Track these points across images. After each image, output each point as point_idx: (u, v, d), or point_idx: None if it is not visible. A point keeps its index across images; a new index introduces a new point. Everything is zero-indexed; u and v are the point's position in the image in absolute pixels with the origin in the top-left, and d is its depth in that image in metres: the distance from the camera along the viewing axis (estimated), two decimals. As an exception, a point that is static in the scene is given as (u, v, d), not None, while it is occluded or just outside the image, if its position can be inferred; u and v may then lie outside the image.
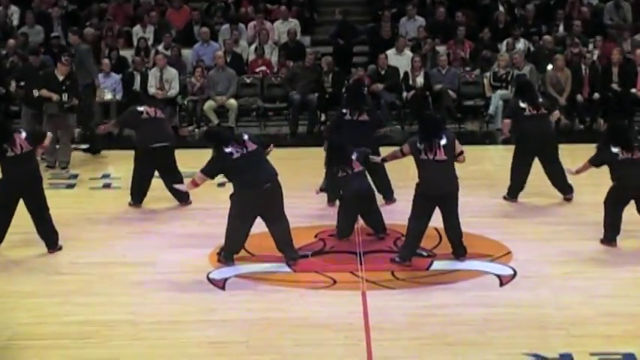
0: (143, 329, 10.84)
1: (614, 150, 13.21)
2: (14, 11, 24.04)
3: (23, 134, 13.13)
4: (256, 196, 12.45)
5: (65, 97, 17.54)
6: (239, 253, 12.81)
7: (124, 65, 22.14)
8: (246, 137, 12.58)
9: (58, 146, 17.64)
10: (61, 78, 17.74)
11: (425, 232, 12.72)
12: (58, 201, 14.84)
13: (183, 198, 15.46)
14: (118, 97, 21.27)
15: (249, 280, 12.32)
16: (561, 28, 23.41)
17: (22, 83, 19.08)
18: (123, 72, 21.87)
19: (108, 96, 21.13)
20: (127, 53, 22.58)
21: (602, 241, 13.34)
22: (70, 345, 10.44)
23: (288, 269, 12.66)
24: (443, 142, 12.42)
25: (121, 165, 15.46)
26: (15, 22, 23.89)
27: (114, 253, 13.31)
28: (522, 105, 15.13)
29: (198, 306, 11.48)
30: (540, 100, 15.59)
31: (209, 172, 12.67)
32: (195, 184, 12.85)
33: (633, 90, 20.81)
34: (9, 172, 13.09)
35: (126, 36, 23.42)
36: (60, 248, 13.35)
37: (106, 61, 21.58)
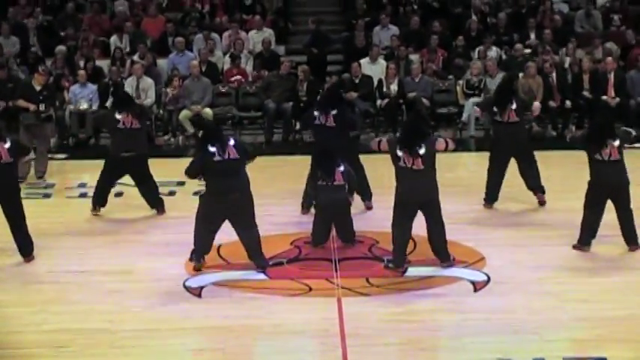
0: (120, 337, 10.81)
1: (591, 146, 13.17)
2: (-11, 22, 24.00)
3: (7, 144, 13.07)
4: (223, 203, 12.48)
5: (42, 106, 17.49)
6: (208, 253, 12.81)
7: (100, 75, 22.10)
8: (232, 143, 12.55)
9: (34, 156, 17.59)
10: (38, 88, 17.69)
11: (409, 237, 12.72)
12: (35, 210, 14.80)
13: (158, 207, 15.45)
14: (95, 106, 21.22)
15: (225, 287, 12.31)
16: (533, 36, 23.49)
17: None
18: (99, 82, 21.82)
19: (84, 106, 21.09)
20: (103, 63, 22.54)
21: (575, 246, 13.35)
22: (47, 354, 10.41)
23: (263, 276, 12.65)
24: (422, 151, 12.43)
25: (97, 174, 15.42)
26: (-10, 34, 23.84)
27: (91, 261, 13.27)
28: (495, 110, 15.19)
29: (175, 314, 11.47)
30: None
31: (191, 171, 12.76)
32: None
33: (604, 97, 20.88)
34: None
35: (101, 46, 23.37)
36: (33, 258, 13.31)
37: (81, 72, 21.53)
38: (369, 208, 15.43)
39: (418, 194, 12.53)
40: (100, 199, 15.49)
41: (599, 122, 13.79)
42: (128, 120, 15.22)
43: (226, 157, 12.42)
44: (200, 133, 13.07)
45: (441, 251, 12.78)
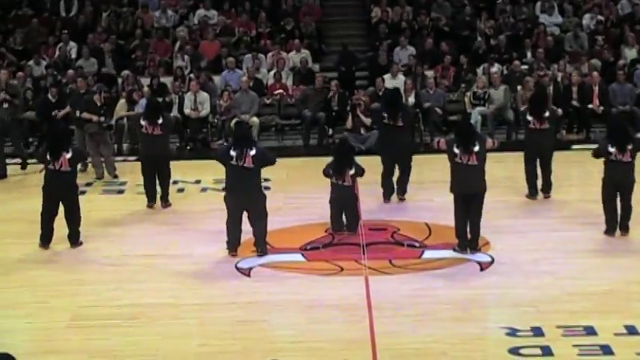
0: (182, 311, 10.87)
1: (611, 149, 13.06)
2: (72, 46, 24.03)
3: (69, 154, 13.13)
4: (237, 200, 12.54)
5: (103, 118, 17.50)
6: (239, 242, 12.75)
7: (164, 90, 22.14)
8: (252, 153, 12.53)
9: (90, 160, 17.58)
10: (98, 104, 17.68)
11: (467, 224, 12.60)
12: (110, 204, 14.91)
13: (163, 202, 15.46)
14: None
15: (270, 268, 12.33)
16: (529, 54, 23.33)
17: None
18: (163, 96, 21.86)
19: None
20: (167, 80, 22.56)
21: (605, 232, 13.25)
22: (122, 324, 10.48)
23: (302, 259, 12.66)
24: (476, 148, 12.39)
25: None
26: (73, 56, 23.89)
27: (157, 247, 13.31)
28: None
29: (228, 290, 11.50)
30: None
31: (219, 152, 13.10)
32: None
33: (590, 105, 20.75)
34: (49, 181, 13.22)
35: (165, 66, 23.40)
36: (81, 244, 13.34)
37: (145, 88, 21.53)
38: (401, 200, 15.43)
39: (472, 186, 12.48)
40: (149, 195, 15.42)
41: (618, 129, 13.58)
42: (150, 128, 15.18)
43: (241, 163, 12.44)
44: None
45: (475, 240, 12.66)
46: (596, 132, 20.65)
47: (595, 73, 21.21)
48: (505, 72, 22.46)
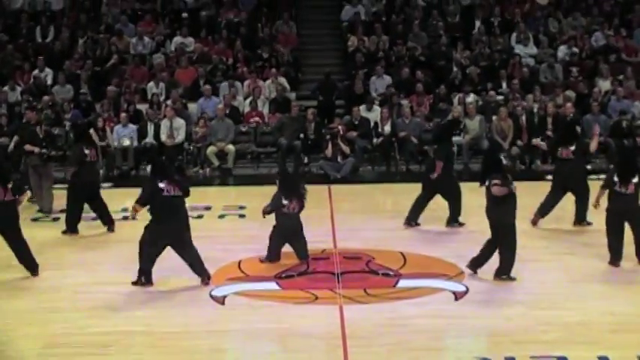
0: (157, 338, 10.81)
1: (615, 179, 13.20)
2: (48, 73, 24.03)
3: (10, 185, 13.00)
4: (166, 232, 12.44)
5: (45, 150, 17.15)
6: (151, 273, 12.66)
7: (139, 117, 22.15)
8: (177, 178, 12.62)
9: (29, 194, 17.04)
10: (41, 135, 17.40)
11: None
12: (82, 230, 14.72)
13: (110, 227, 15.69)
14: (135, 143, 21.29)
15: (245, 296, 12.30)
16: (504, 85, 23.51)
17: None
18: (139, 122, 21.88)
19: (126, 142, 21.16)
20: (142, 107, 22.58)
21: (609, 262, 13.35)
22: (95, 352, 10.40)
23: (277, 287, 12.64)
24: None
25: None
26: (49, 82, 23.87)
27: (130, 275, 13.23)
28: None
29: (202, 318, 11.45)
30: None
31: (142, 201, 12.63)
32: (134, 211, 12.75)
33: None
34: None
35: (141, 92, 23.40)
36: (38, 274, 13.20)
37: (123, 114, 21.59)
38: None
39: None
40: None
41: (626, 162, 13.64)
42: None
43: (173, 192, 12.46)
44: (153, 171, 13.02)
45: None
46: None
47: (569, 104, 21.37)
48: (480, 102, 22.60)
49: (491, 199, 12.52)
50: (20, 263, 13.22)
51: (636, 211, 13.22)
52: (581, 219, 15.44)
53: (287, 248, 13.94)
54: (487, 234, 12.78)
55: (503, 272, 12.63)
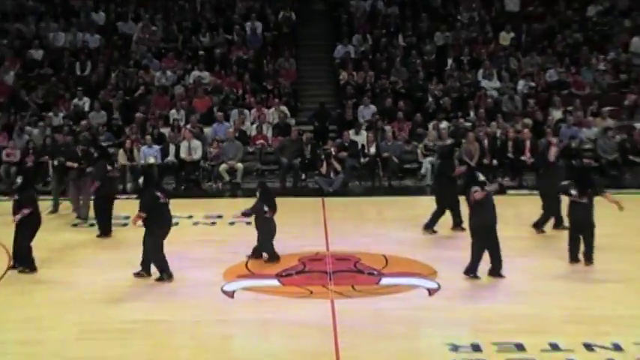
0: (175, 326, 10.83)
1: (572, 192, 13.01)
2: (86, 101, 24.04)
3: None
4: (163, 232, 12.68)
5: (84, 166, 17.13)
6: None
7: (162, 139, 22.15)
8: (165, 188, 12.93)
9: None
10: (80, 153, 17.50)
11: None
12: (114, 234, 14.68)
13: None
14: (159, 161, 21.30)
15: (251, 291, 12.32)
16: (472, 113, 23.53)
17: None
18: (162, 143, 21.89)
19: (151, 160, 21.15)
20: (165, 130, 22.58)
21: (570, 262, 13.20)
22: (123, 337, 10.42)
23: (278, 283, 12.66)
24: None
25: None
26: (86, 109, 23.88)
27: (153, 270, 13.21)
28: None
29: (215, 310, 11.47)
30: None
31: (145, 209, 12.62)
32: (139, 218, 12.69)
33: (523, 157, 20.91)
34: None
35: (164, 118, 23.41)
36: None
37: (148, 136, 21.57)
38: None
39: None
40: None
41: (582, 177, 13.59)
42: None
43: (166, 200, 12.80)
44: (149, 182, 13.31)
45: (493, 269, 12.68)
46: (527, 180, 20.75)
47: (526, 130, 21.42)
48: (451, 128, 22.63)
49: (473, 207, 12.54)
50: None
51: (589, 217, 13.08)
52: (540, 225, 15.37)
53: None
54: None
55: (497, 271, 12.63)
